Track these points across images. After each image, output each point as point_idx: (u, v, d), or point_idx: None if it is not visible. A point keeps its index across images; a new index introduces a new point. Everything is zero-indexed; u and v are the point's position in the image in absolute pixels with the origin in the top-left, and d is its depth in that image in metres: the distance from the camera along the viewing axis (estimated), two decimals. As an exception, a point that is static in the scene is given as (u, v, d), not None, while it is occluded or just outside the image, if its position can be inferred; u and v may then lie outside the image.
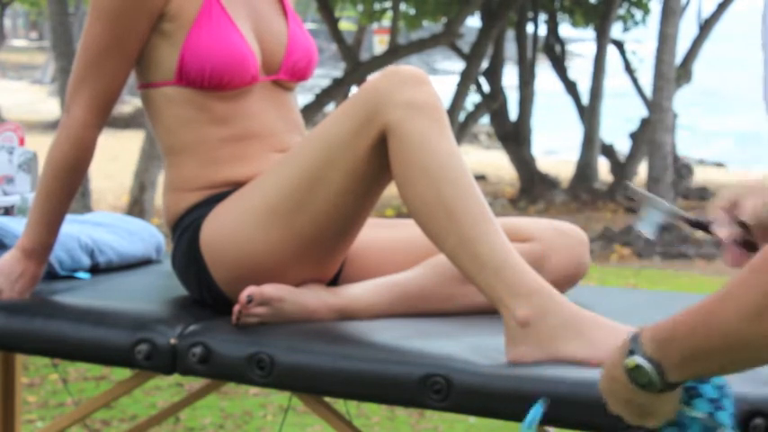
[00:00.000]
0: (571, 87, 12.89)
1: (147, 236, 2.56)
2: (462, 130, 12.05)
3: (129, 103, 18.40)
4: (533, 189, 12.27)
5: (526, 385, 1.72)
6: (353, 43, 12.23)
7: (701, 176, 13.37)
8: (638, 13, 13.29)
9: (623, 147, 12.60)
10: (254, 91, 2.17)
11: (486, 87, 12.36)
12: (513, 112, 12.73)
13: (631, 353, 1.33)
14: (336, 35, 11.32)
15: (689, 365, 1.30)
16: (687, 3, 11.71)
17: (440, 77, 22.78)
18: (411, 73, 1.97)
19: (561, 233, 2.15)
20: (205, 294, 2.12)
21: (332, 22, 11.40)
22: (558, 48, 13.05)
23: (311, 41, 2.27)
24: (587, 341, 1.78)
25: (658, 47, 9.62)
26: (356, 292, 2.08)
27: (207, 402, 4.52)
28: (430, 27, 14.11)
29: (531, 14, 13.08)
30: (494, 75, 12.32)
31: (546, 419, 1.58)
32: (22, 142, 2.62)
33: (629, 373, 1.33)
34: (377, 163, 1.97)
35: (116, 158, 12.82)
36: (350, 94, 2.07)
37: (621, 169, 12.34)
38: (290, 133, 2.21)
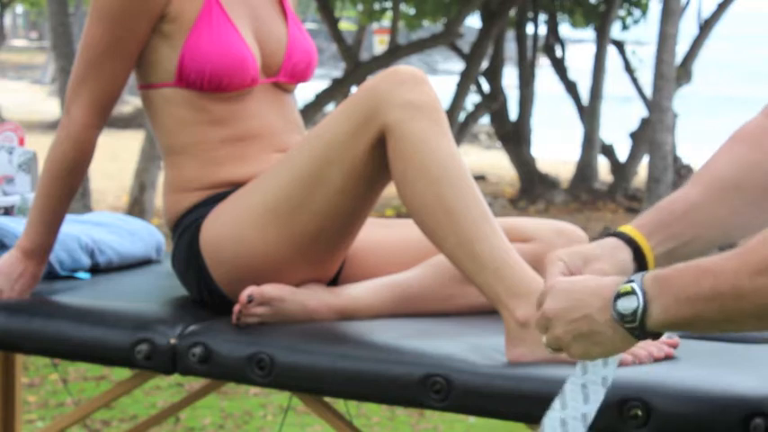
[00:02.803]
0: (571, 87, 12.88)
1: (147, 236, 2.56)
2: (462, 130, 12.05)
3: (129, 103, 18.39)
4: (533, 189, 12.26)
5: (526, 385, 1.72)
6: (353, 43, 12.21)
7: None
8: (637, 13, 13.28)
9: (623, 147, 12.59)
10: (254, 93, 2.17)
11: (486, 87, 12.35)
12: (513, 112, 12.72)
13: (629, 282, 1.36)
14: (336, 35, 11.32)
15: (678, 308, 1.32)
16: (687, 3, 11.71)
17: (440, 78, 22.77)
18: (410, 73, 1.97)
19: (561, 233, 2.15)
20: (205, 294, 2.12)
21: (332, 22, 11.40)
22: (558, 48, 13.04)
23: (311, 43, 2.27)
24: (587, 341, 1.78)
25: (658, 47, 9.61)
26: (356, 293, 2.08)
27: (207, 402, 4.52)
28: (430, 27, 14.10)
29: (531, 14, 13.07)
30: (494, 75, 12.31)
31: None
32: (22, 142, 2.63)
33: (618, 299, 1.35)
34: (376, 163, 1.97)
35: (116, 158, 12.82)
36: (350, 95, 2.07)
37: (621, 169, 12.33)
38: (290, 133, 2.21)
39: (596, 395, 1.44)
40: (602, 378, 1.45)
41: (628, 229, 1.56)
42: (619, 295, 1.36)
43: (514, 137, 12.57)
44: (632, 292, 1.35)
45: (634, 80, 12.75)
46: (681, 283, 1.33)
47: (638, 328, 1.35)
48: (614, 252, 1.53)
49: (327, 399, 2.04)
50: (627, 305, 1.35)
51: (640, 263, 1.53)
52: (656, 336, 1.38)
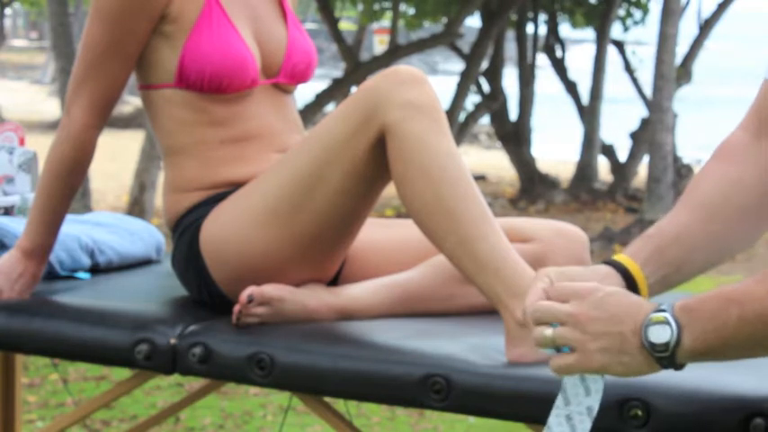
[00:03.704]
0: (571, 87, 12.88)
1: (147, 236, 2.56)
2: (462, 131, 12.05)
3: (129, 103, 18.39)
4: (533, 189, 12.26)
5: (526, 385, 1.72)
6: (353, 43, 12.22)
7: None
8: (637, 13, 13.28)
9: (623, 147, 12.59)
10: (254, 94, 2.17)
11: (486, 87, 12.36)
12: (513, 113, 12.72)
13: (661, 311, 1.35)
14: (336, 35, 11.32)
15: (707, 338, 1.33)
16: (687, 3, 11.71)
17: (440, 78, 22.77)
18: (409, 73, 1.97)
19: (561, 233, 2.15)
20: (205, 294, 2.12)
21: (332, 22, 11.40)
22: (558, 48, 13.05)
23: (311, 44, 2.27)
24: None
25: (658, 47, 9.61)
26: (356, 293, 2.08)
27: (207, 402, 4.52)
28: (430, 27, 14.10)
29: (531, 14, 13.07)
30: (494, 75, 12.31)
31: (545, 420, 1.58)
32: (22, 142, 2.63)
33: (650, 327, 1.34)
34: (376, 163, 1.97)
35: (116, 158, 12.82)
36: (350, 95, 2.07)
37: (621, 169, 12.34)
38: (290, 133, 2.21)
39: (583, 425, 1.44)
40: (586, 408, 1.44)
41: (622, 258, 1.55)
42: (650, 323, 1.35)
43: (514, 137, 12.57)
44: (665, 322, 1.34)
45: (634, 80, 12.75)
46: (708, 313, 1.33)
47: (668, 358, 1.36)
48: (604, 279, 1.52)
49: (327, 399, 2.04)
50: (660, 335, 1.35)
51: (632, 292, 1.52)
52: (680, 367, 1.38)
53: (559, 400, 1.45)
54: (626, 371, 1.39)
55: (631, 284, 1.53)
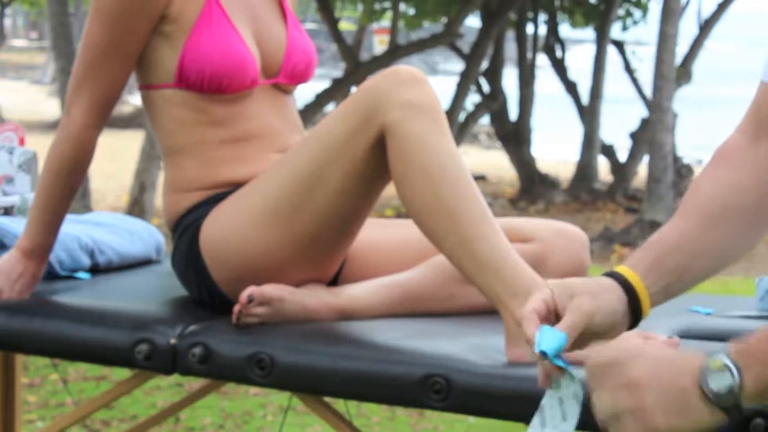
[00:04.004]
0: (571, 87, 12.88)
1: (147, 236, 2.56)
2: (462, 131, 12.05)
3: (129, 104, 18.39)
4: (533, 189, 12.26)
5: (526, 385, 1.72)
6: (353, 43, 12.22)
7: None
8: (637, 13, 13.29)
9: (623, 147, 12.60)
10: (254, 94, 2.17)
11: (486, 87, 12.36)
12: (513, 112, 12.72)
13: (716, 355, 1.27)
14: (336, 35, 11.32)
15: None
16: (687, 3, 11.71)
17: (440, 78, 22.77)
18: (409, 73, 1.97)
19: (561, 233, 2.15)
20: (205, 294, 2.12)
21: (332, 22, 11.40)
22: (558, 48, 13.05)
23: (310, 45, 2.27)
24: (587, 341, 1.78)
25: (658, 47, 9.62)
26: (356, 293, 2.08)
27: (207, 402, 4.52)
28: (430, 27, 14.10)
29: (531, 14, 13.07)
30: (494, 75, 12.32)
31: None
32: (22, 142, 2.63)
33: (708, 375, 1.27)
34: (376, 163, 1.97)
35: (116, 158, 12.82)
36: (350, 95, 2.06)
37: (621, 169, 12.34)
38: (290, 133, 2.21)
39: None
40: None
41: (623, 270, 1.53)
42: (709, 371, 1.27)
43: (514, 137, 12.57)
44: (724, 368, 1.27)
45: (634, 80, 12.75)
46: (766, 348, 1.27)
47: (734, 406, 1.27)
48: (603, 291, 1.50)
49: (327, 399, 2.04)
50: (721, 382, 1.27)
51: (633, 303, 1.50)
52: (742, 414, 1.29)
53: (536, 420, 1.45)
54: (691, 426, 1.29)
55: (632, 296, 1.51)
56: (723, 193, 1.57)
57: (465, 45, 12.66)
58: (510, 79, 13.00)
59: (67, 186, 2.15)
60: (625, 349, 1.34)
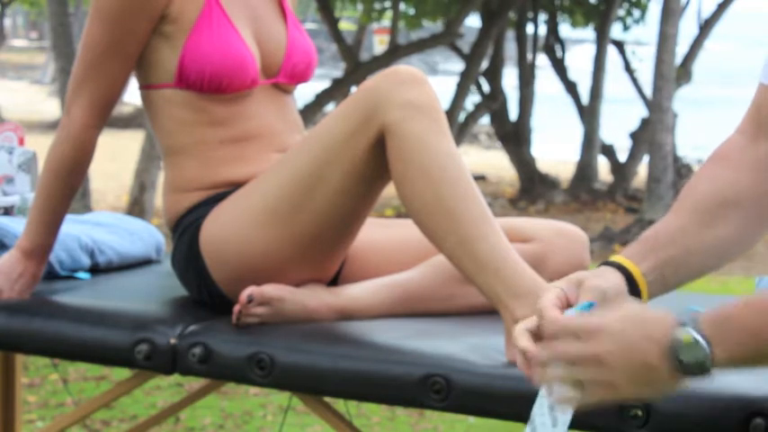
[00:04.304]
0: (571, 87, 12.88)
1: (147, 236, 2.56)
2: (462, 130, 12.05)
3: (129, 104, 18.39)
4: (533, 189, 12.26)
5: (526, 385, 1.71)
6: (353, 43, 12.22)
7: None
8: (636, 13, 13.29)
9: (623, 147, 12.60)
10: (254, 94, 2.17)
11: (486, 87, 12.36)
12: (513, 112, 12.72)
13: (685, 327, 1.32)
14: (336, 35, 11.32)
15: (740, 351, 1.30)
16: (687, 3, 11.71)
17: (440, 78, 22.77)
18: (409, 73, 1.97)
19: (561, 233, 2.15)
20: (205, 294, 2.12)
21: (332, 22, 11.40)
22: (558, 48, 13.05)
23: (310, 44, 2.27)
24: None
25: (658, 47, 9.62)
26: (356, 293, 2.08)
27: (207, 402, 4.52)
28: (430, 27, 14.10)
29: (531, 14, 13.07)
30: (494, 75, 12.32)
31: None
32: (22, 142, 2.63)
33: (678, 348, 1.31)
34: (376, 163, 1.97)
35: (116, 158, 12.82)
36: (350, 95, 2.06)
37: (621, 169, 12.34)
38: (290, 133, 2.21)
39: None
40: None
41: (617, 258, 1.54)
42: (678, 344, 1.31)
43: (514, 137, 12.57)
44: (695, 343, 1.31)
45: (634, 80, 12.75)
46: (739, 325, 1.31)
47: (703, 374, 1.32)
48: (607, 273, 1.51)
49: (327, 399, 2.04)
50: (693, 356, 1.31)
51: (633, 290, 1.51)
52: (710, 375, 1.34)
53: (528, 430, 1.45)
54: (656, 392, 1.35)
55: (630, 280, 1.52)
56: (720, 191, 1.57)
57: (465, 45, 12.65)
58: (510, 79, 13.00)
59: (67, 186, 2.15)
60: (589, 321, 1.36)
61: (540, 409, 1.43)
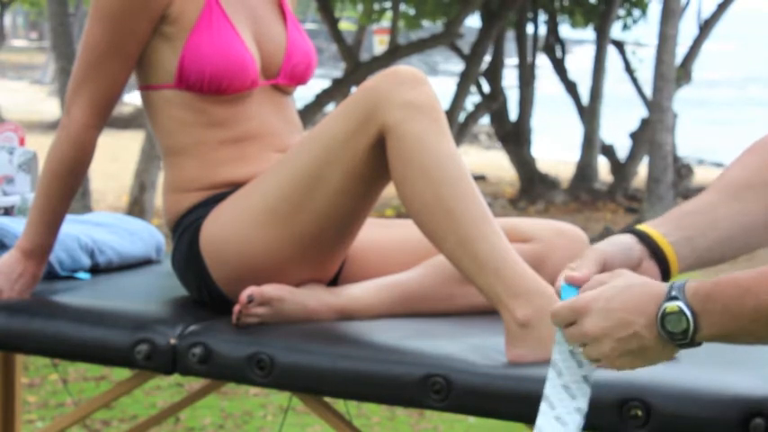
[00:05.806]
0: (571, 88, 12.88)
1: (147, 236, 2.56)
2: (462, 131, 12.05)
3: (129, 104, 18.38)
4: (533, 189, 12.26)
5: (526, 385, 1.72)
6: (353, 43, 12.22)
7: (701, 176, 13.37)
8: (636, 13, 13.29)
9: (623, 147, 12.60)
10: (254, 95, 2.17)
11: (486, 87, 12.36)
12: (513, 113, 12.72)
13: (673, 299, 1.36)
14: (336, 35, 11.32)
15: (724, 325, 1.34)
16: (687, 3, 11.71)
17: (440, 78, 22.77)
18: (409, 73, 1.97)
19: (561, 233, 2.15)
20: (205, 294, 2.12)
21: (332, 22, 11.40)
22: (558, 48, 13.05)
23: (310, 45, 2.28)
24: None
25: (658, 47, 9.62)
26: (356, 293, 2.08)
27: (207, 402, 4.52)
28: (430, 27, 14.09)
29: (531, 15, 13.07)
30: (494, 75, 12.32)
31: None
32: (22, 142, 2.63)
33: (665, 318, 1.36)
34: (376, 163, 1.97)
35: (116, 158, 12.82)
36: (350, 95, 2.06)
37: (621, 169, 12.34)
38: (290, 133, 2.21)
39: (582, 390, 1.45)
40: (582, 377, 1.45)
41: (640, 226, 1.56)
42: (665, 314, 1.36)
43: (514, 137, 12.57)
44: (680, 312, 1.35)
45: (634, 80, 12.75)
46: (724, 300, 1.34)
47: (688, 343, 1.37)
48: (613, 238, 1.53)
49: (327, 399, 2.04)
50: (677, 325, 1.36)
51: (655, 252, 1.53)
52: (700, 344, 1.39)
53: (544, 405, 1.46)
54: (649, 362, 1.41)
55: (652, 247, 1.53)
56: (750, 173, 1.60)
57: (465, 45, 12.65)
58: (510, 79, 13.00)
59: (67, 186, 2.15)
60: (576, 302, 1.42)
61: (560, 354, 1.45)
